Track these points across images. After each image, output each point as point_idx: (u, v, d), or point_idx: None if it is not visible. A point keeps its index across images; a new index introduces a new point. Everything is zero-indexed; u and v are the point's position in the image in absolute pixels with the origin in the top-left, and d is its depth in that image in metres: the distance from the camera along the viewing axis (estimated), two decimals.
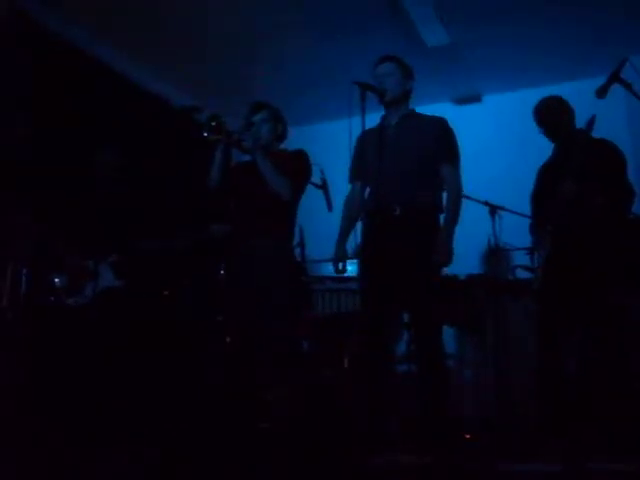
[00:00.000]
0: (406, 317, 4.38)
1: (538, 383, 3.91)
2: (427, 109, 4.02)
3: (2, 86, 4.54)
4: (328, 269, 4.92)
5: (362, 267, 3.74)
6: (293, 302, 3.84)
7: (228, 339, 4.05)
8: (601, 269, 3.70)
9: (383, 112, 3.88)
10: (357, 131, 3.72)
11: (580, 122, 3.94)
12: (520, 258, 4.74)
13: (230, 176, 4.02)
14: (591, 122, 3.75)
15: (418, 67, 3.94)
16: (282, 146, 4.10)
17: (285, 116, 4.08)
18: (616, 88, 3.54)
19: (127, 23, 5.27)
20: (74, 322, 4.31)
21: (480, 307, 4.95)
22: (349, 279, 4.65)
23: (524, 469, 3.45)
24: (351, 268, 3.97)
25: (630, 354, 3.76)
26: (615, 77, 3.54)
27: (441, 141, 3.73)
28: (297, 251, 4.60)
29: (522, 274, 4.86)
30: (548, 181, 4.00)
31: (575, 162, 3.75)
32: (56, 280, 4.36)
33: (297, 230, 4.13)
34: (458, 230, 3.65)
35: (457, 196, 3.70)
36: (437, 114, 3.89)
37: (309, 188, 4.13)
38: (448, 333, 4.92)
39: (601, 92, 3.58)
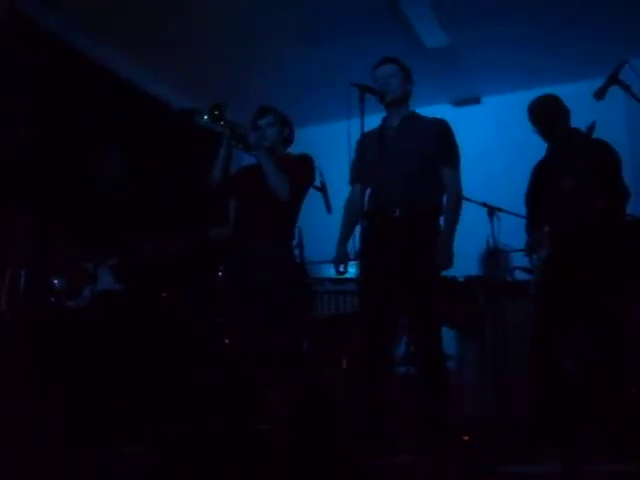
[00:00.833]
0: (406, 318, 4.38)
1: (536, 384, 3.90)
2: (426, 110, 4.02)
3: (2, 87, 4.54)
4: (327, 271, 4.94)
5: (362, 269, 3.74)
6: (293, 303, 3.84)
7: (227, 340, 4.06)
8: (601, 270, 3.71)
9: (382, 114, 3.88)
10: (356, 133, 3.72)
11: (578, 123, 3.94)
12: (519, 259, 4.74)
13: (234, 178, 4.03)
14: (591, 128, 3.74)
15: (417, 69, 3.94)
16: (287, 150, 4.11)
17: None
18: (615, 90, 3.55)
19: (127, 24, 5.27)
20: (73, 324, 4.31)
21: (479, 308, 4.95)
22: (348, 280, 4.65)
23: (524, 470, 3.45)
24: (351, 270, 3.97)
25: (630, 354, 3.76)
26: (613, 79, 3.54)
27: (441, 143, 3.73)
28: (296, 252, 4.60)
29: (521, 275, 4.87)
30: (543, 180, 4.00)
31: (575, 160, 3.75)
32: (55, 282, 4.36)
33: (296, 232, 4.13)
34: (457, 231, 3.66)
35: (457, 198, 3.71)
36: (436, 116, 3.90)
37: (308, 191, 4.14)
38: (447, 334, 4.92)
39: (599, 94, 3.58)
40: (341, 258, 3.85)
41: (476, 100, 6.68)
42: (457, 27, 5.34)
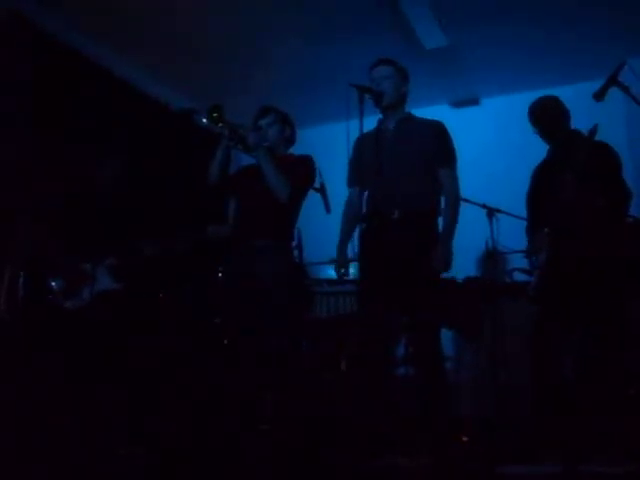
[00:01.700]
0: (405, 319, 4.38)
1: (535, 384, 3.91)
2: (425, 112, 4.03)
3: (1, 87, 4.54)
4: (326, 271, 4.94)
5: (361, 270, 3.74)
6: (292, 303, 3.84)
7: (226, 340, 4.06)
8: (601, 270, 3.71)
9: (380, 115, 3.88)
10: (355, 134, 3.73)
11: (578, 124, 3.95)
12: (518, 261, 4.75)
13: (234, 178, 4.03)
14: (593, 131, 3.74)
15: (416, 70, 3.95)
16: (289, 151, 4.11)
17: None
18: (614, 91, 3.55)
19: (126, 25, 5.27)
20: (72, 325, 4.30)
21: (478, 310, 4.95)
22: (347, 281, 4.65)
23: (523, 471, 3.45)
24: (351, 271, 3.97)
25: (630, 354, 3.76)
26: (613, 80, 3.54)
27: (438, 145, 3.74)
28: (295, 253, 4.60)
29: (520, 277, 4.87)
30: (544, 182, 4.01)
31: (576, 162, 3.75)
32: (53, 283, 4.36)
33: (295, 232, 4.13)
34: (456, 232, 3.66)
35: (455, 200, 3.72)
36: (435, 117, 3.90)
37: (308, 192, 4.14)
38: (446, 335, 4.92)
39: (599, 95, 3.59)
40: (342, 261, 3.85)
41: (475, 101, 6.68)
42: (456, 28, 5.34)
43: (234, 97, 5.43)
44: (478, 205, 4.89)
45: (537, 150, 4.12)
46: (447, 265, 3.60)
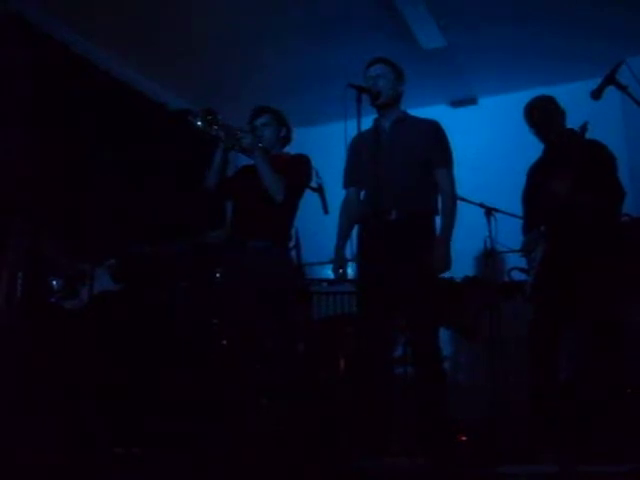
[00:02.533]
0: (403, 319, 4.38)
1: (533, 383, 3.91)
2: (423, 111, 4.03)
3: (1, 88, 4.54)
4: (323, 272, 4.94)
5: (359, 271, 3.74)
6: (290, 303, 3.85)
7: (224, 342, 4.06)
8: (596, 269, 3.71)
9: (376, 115, 3.88)
10: (353, 134, 3.71)
11: (575, 124, 3.94)
12: (516, 260, 4.74)
13: (231, 179, 4.03)
14: (584, 128, 3.75)
15: (414, 69, 3.95)
16: (284, 150, 4.11)
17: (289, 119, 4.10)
18: (612, 90, 3.55)
19: (126, 27, 5.26)
20: (71, 325, 4.30)
21: (476, 309, 4.95)
22: (345, 281, 4.65)
23: (520, 471, 3.45)
24: (349, 271, 3.97)
25: (625, 355, 3.76)
26: (610, 79, 3.53)
27: (435, 145, 3.74)
28: (293, 253, 4.60)
29: (518, 276, 4.86)
30: (539, 181, 4.01)
31: (570, 161, 3.75)
32: (53, 283, 4.36)
33: (293, 233, 4.14)
34: (454, 232, 3.66)
35: (452, 200, 3.71)
36: (432, 116, 3.90)
37: (305, 191, 4.14)
38: (444, 336, 4.93)
39: (596, 94, 3.58)
40: (339, 262, 3.85)
41: (473, 101, 6.67)
42: (454, 28, 5.33)
43: (231, 97, 5.45)
44: (476, 204, 4.89)
45: (534, 149, 4.13)
46: (447, 265, 3.60)
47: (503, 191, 4.72)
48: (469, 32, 5.42)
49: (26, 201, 4.36)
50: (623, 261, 3.85)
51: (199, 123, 3.74)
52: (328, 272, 4.12)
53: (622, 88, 3.51)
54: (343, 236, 3.90)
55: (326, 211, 4.70)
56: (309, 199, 4.33)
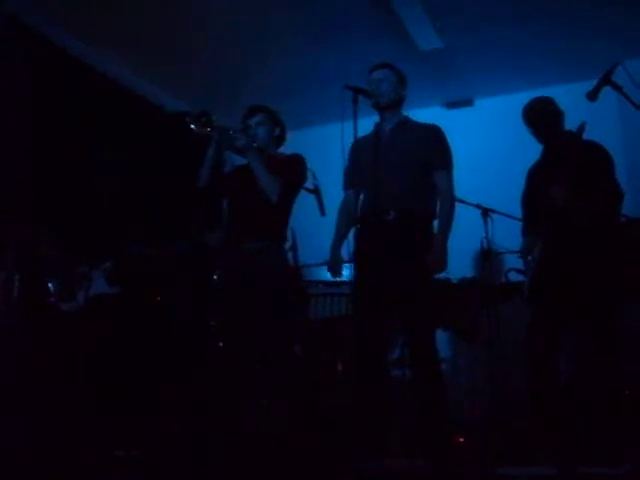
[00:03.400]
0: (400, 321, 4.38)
1: (532, 385, 3.90)
2: (419, 113, 4.03)
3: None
4: (320, 273, 4.93)
5: (355, 271, 3.74)
6: (287, 304, 3.84)
7: (221, 344, 4.05)
8: (593, 270, 3.71)
9: (376, 116, 3.89)
10: (349, 135, 3.72)
11: (571, 125, 3.94)
12: (513, 261, 4.75)
13: (226, 179, 4.03)
14: (581, 129, 3.75)
15: (410, 71, 3.95)
16: (279, 150, 4.10)
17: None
18: (608, 91, 3.55)
19: (126, 29, 5.26)
20: (67, 327, 4.30)
21: (473, 310, 4.95)
22: (342, 283, 4.65)
23: (519, 473, 3.45)
24: (345, 272, 3.97)
25: (623, 356, 3.76)
26: (606, 80, 3.54)
27: (435, 149, 3.76)
28: (289, 255, 4.60)
29: (515, 277, 4.87)
30: (538, 183, 4.00)
31: (567, 164, 3.75)
32: (49, 285, 4.35)
33: (289, 234, 4.13)
34: (450, 233, 3.67)
35: (450, 202, 3.73)
36: (429, 118, 3.92)
37: (301, 193, 4.14)
38: (442, 337, 4.93)
39: (592, 95, 3.59)
40: (335, 262, 3.86)
41: (469, 102, 6.68)
42: (450, 30, 5.34)
43: (229, 98, 5.43)
44: (473, 205, 4.89)
45: (531, 150, 4.13)
46: (443, 265, 3.61)
47: (500, 192, 4.72)
48: (466, 33, 5.42)
49: (24, 202, 4.36)
50: (621, 262, 3.85)
51: (192, 126, 3.73)
52: (325, 274, 4.11)
53: (618, 89, 3.52)
54: (340, 236, 3.91)
55: (323, 213, 4.70)
56: (306, 201, 4.33)
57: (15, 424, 3.71)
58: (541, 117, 3.99)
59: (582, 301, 3.71)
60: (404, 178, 3.69)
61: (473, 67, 6.02)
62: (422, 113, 4.13)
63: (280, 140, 4.10)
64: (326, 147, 3.98)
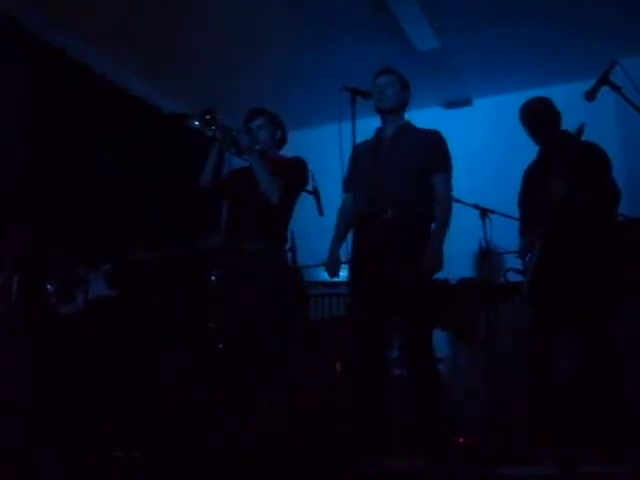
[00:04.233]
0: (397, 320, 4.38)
1: (532, 385, 3.91)
2: (417, 113, 4.04)
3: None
4: (319, 274, 4.93)
5: (353, 272, 3.75)
6: (287, 305, 3.85)
7: (221, 344, 4.05)
8: (593, 271, 3.71)
9: (375, 116, 3.91)
10: (347, 136, 3.72)
11: (569, 125, 3.94)
12: (512, 261, 4.74)
13: (226, 181, 4.03)
14: (580, 130, 3.75)
15: (408, 71, 3.95)
16: (281, 152, 4.11)
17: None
18: (606, 91, 3.55)
19: (126, 32, 5.26)
20: (66, 330, 4.30)
21: (472, 311, 4.95)
22: (340, 283, 4.65)
23: (519, 473, 3.46)
24: (343, 274, 3.98)
25: (623, 356, 3.76)
26: (604, 80, 3.54)
27: (434, 152, 3.79)
28: (288, 256, 4.60)
29: (514, 277, 4.86)
30: (535, 183, 4.01)
31: (563, 166, 3.76)
32: (48, 288, 4.34)
33: (288, 234, 4.13)
34: (449, 233, 3.68)
35: (447, 203, 3.75)
36: (427, 118, 3.95)
37: (301, 194, 4.14)
38: (441, 337, 4.93)
39: (590, 95, 3.59)
40: (333, 263, 3.87)
41: (467, 102, 6.68)
42: (448, 30, 5.34)
43: (227, 99, 5.42)
44: (471, 206, 4.89)
45: (530, 150, 4.13)
46: (438, 265, 3.61)
47: (498, 192, 4.72)
48: (463, 33, 5.43)
49: (26, 205, 4.36)
50: (619, 262, 3.85)
51: (196, 123, 3.73)
52: (324, 274, 4.11)
53: (616, 89, 3.52)
54: (338, 238, 3.92)
55: (321, 214, 4.70)
56: (304, 202, 4.33)
57: (15, 425, 3.70)
58: (538, 118, 3.98)
59: (582, 301, 3.71)
60: (404, 182, 3.70)
61: (471, 67, 6.02)
62: (421, 113, 4.14)
63: (281, 143, 4.11)
64: (324, 148, 3.98)
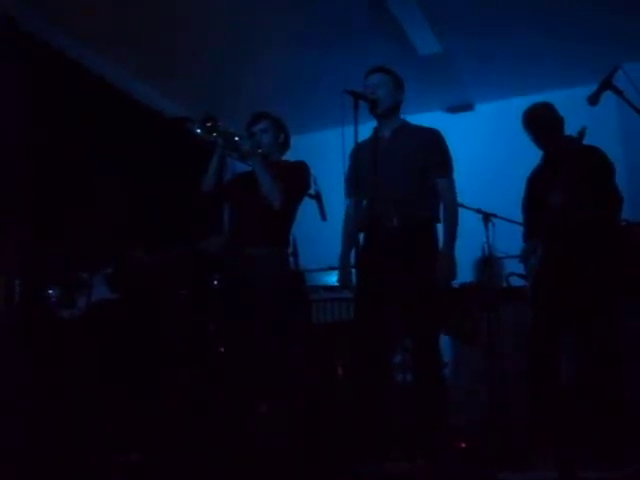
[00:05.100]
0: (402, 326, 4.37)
1: (534, 389, 3.90)
2: (419, 118, 4.03)
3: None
4: (321, 278, 4.93)
5: (360, 279, 3.71)
6: (290, 310, 3.84)
7: (222, 349, 4.05)
8: (594, 274, 3.71)
9: (375, 122, 3.88)
10: (350, 140, 3.71)
11: (572, 129, 3.94)
12: (514, 265, 4.75)
13: (229, 186, 4.03)
14: (582, 133, 3.76)
15: (410, 76, 3.95)
16: (283, 157, 4.11)
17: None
18: (608, 95, 3.56)
19: (126, 32, 5.27)
20: (68, 334, 4.30)
21: (474, 315, 4.95)
22: (346, 289, 4.64)
23: (521, 477, 3.45)
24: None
25: (624, 360, 3.76)
26: (607, 84, 3.54)
27: (435, 153, 3.74)
28: (290, 260, 4.60)
29: (516, 281, 4.86)
30: (538, 189, 4.01)
31: (566, 171, 3.76)
32: (50, 292, 4.35)
33: (291, 239, 4.13)
34: None
35: (454, 208, 3.71)
36: (429, 123, 3.90)
37: (303, 198, 4.14)
38: (444, 341, 4.92)
39: (593, 99, 3.59)
40: (345, 274, 3.84)
41: (469, 107, 6.69)
42: (450, 34, 5.35)
43: (228, 103, 5.44)
44: (473, 210, 4.89)
45: (532, 155, 4.13)
46: (452, 275, 3.60)
47: (500, 197, 4.73)
48: (465, 38, 5.44)
49: (27, 209, 4.36)
50: (621, 265, 3.85)
51: (198, 130, 3.73)
52: (326, 279, 4.11)
53: (618, 93, 3.52)
54: (347, 247, 3.87)
55: (324, 218, 4.70)
56: (306, 206, 4.33)
57: (16, 426, 3.71)
58: (541, 123, 3.99)
59: (583, 302, 3.71)
60: (405, 183, 3.67)
61: (473, 72, 6.03)
62: (423, 118, 4.13)
63: (284, 147, 4.10)
64: (327, 152, 3.98)
